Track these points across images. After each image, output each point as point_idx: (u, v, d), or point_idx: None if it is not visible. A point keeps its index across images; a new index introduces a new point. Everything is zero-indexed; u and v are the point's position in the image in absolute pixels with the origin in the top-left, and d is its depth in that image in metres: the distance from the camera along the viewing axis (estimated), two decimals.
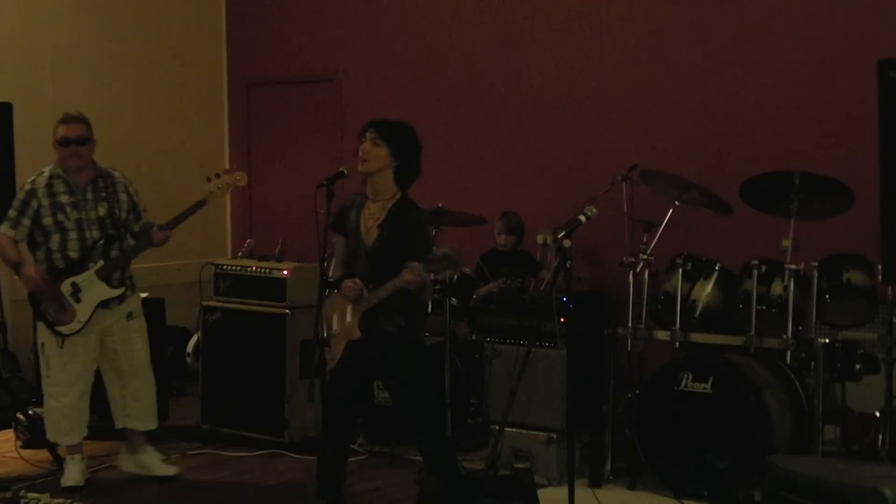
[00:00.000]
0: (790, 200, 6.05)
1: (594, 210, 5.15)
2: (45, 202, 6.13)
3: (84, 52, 8.81)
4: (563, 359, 6.17)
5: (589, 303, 6.49)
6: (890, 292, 5.99)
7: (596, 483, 6.22)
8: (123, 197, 6.31)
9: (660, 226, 6.48)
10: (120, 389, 6.35)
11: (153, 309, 7.65)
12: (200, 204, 6.15)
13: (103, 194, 6.23)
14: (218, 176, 6.18)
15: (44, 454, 6.74)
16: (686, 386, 6.03)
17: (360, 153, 5.29)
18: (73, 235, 6.13)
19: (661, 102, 7.66)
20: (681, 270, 6.26)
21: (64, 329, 6.13)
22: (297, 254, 7.52)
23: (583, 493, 5.80)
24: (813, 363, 5.99)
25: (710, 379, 5.97)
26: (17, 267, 6.22)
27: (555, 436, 6.31)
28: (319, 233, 5.30)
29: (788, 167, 6.16)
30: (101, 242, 6.14)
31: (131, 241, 6.27)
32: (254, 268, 7.23)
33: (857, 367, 6.05)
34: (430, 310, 6.75)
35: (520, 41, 8.24)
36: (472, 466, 6.31)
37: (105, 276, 6.13)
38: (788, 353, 6.07)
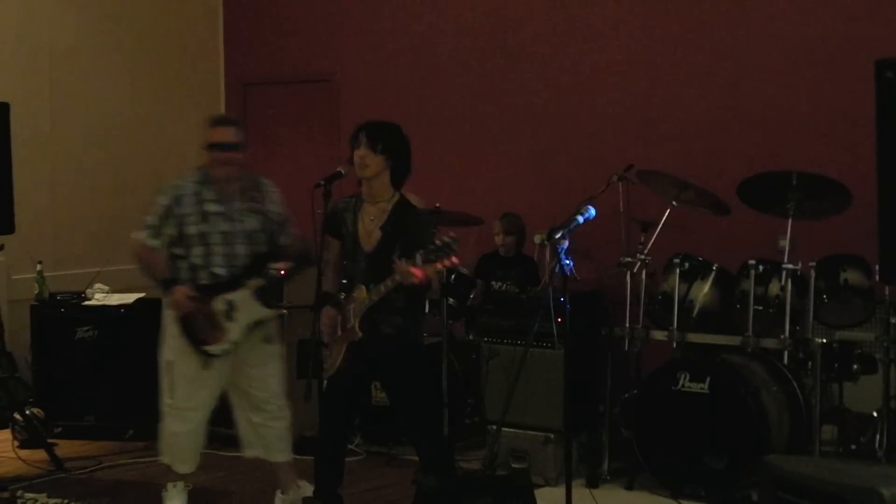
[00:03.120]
0: (787, 200, 6.06)
1: (592, 210, 5.14)
2: (192, 209, 5.49)
3: (81, 52, 8.81)
4: (560, 359, 6.17)
5: (586, 303, 6.49)
6: (887, 292, 6.00)
7: (593, 483, 6.23)
8: (273, 207, 5.67)
9: (657, 226, 6.48)
10: (251, 416, 5.73)
11: (151, 309, 7.65)
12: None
13: (255, 205, 5.60)
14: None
15: (41, 454, 6.75)
16: (683, 386, 6.04)
17: (358, 158, 5.27)
18: (218, 250, 5.50)
19: (659, 102, 7.66)
20: (678, 270, 6.27)
21: (213, 349, 5.51)
22: None
23: (580, 493, 5.80)
24: (810, 363, 6.00)
25: (708, 379, 5.97)
26: (166, 284, 5.52)
27: (552, 436, 6.31)
28: (317, 232, 5.30)
29: (786, 167, 6.16)
30: (258, 258, 5.54)
31: (289, 262, 5.65)
32: None
33: (855, 367, 6.06)
34: (427, 310, 6.74)
35: (517, 41, 8.24)
36: (469, 466, 6.32)
37: (262, 296, 5.55)
38: (786, 353, 6.06)
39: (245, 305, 5.52)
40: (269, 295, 5.60)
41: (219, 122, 5.68)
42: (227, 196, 5.55)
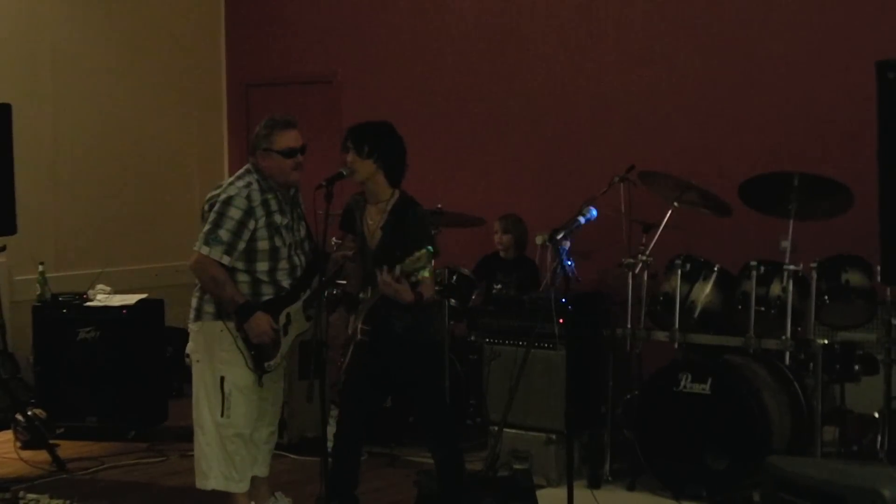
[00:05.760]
0: (789, 201, 6.06)
1: (593, 211, 5.14)
2: (262, 222, 5.09)
3: (83, 53, 8.82)
4: (562, 360, 6.17)
5: (588, 304, 6.49)
6: (889, 293, 6.00)
7: (595, 484, 6.23)
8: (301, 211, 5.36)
9: (659, 227, 6.48)
10: (253, 434, 5.37)
11: (153, 310, 7.67)
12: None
13: (299, 210, 5.28)
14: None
15: (43, 455, 6.75)
16: (685, 387, 6.04)
17: (348, 163, 5.25)
18: (284, 264, 5.18)
19: (661, 103, 7.66)
20: (680, 271, 6.26)
21: (270, 364, 5.22)
22: None
23: (582, 494, 5.80)
24: (812, 364, 6.00)
25: (709, 380, 5.97)
26: (246, 310, 5.07)
27: (554, 437, 6.32)
28: (318, 233, 5.30)
29: (787, 168, 6.16)
30: (310, 268, 5.24)
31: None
32: None
33: (856, 367, 6.06)
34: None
35: (519, 42, 8.24)
36: (471, 467, 6.30)
37: (307, 308, 5.25)
38: (787, 354, 6.07)
39: (297, 319, 5.27)
40: (310, 305, 5.28)
41: (288, 124, 5.26)
42: (288, 204, 5.24)
